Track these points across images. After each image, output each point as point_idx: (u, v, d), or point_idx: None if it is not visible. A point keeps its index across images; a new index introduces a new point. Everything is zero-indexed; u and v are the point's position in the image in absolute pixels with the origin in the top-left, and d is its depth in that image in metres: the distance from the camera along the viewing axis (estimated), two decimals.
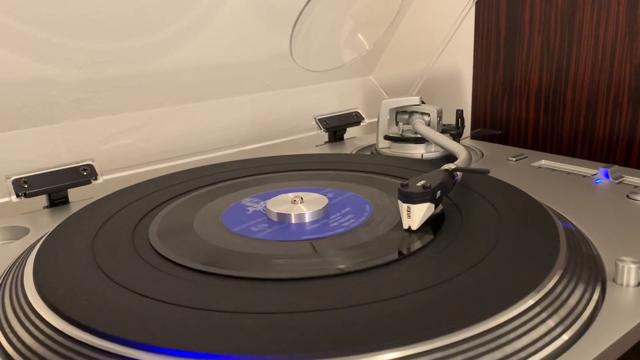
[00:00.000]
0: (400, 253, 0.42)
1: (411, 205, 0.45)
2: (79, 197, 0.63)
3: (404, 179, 0.48)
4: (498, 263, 0.39)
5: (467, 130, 0.80)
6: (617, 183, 0.61)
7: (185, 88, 0.79)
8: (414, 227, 0.46)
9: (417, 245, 0.43)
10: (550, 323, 0.34)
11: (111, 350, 0.31)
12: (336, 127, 0.88)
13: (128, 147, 0.77)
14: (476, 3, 0.90)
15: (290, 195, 0.52)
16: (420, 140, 0.73)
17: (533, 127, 0.86)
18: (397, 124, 0.77)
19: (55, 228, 0.50)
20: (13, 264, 0.46)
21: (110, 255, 0.43)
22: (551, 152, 0.84)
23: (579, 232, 0.47)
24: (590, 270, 0.40)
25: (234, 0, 0.73)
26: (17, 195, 0.59)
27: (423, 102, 0.76)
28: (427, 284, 0.36)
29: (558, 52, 0.81)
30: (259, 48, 0.82)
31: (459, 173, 0.53)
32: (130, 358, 0.31)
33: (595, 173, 0.64)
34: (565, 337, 0.33)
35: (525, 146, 0.88)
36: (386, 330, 0.31)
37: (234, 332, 0.32)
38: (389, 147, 0.76)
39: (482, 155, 0.75)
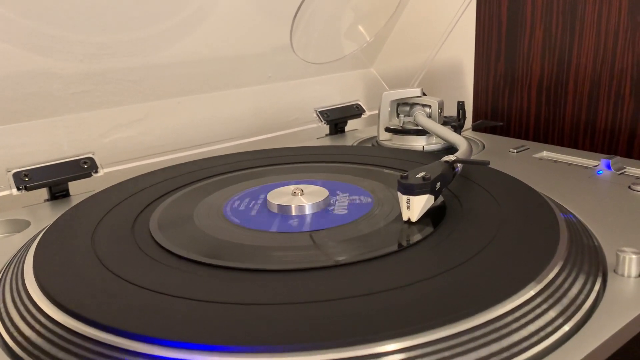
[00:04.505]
0: (399, 245, 0.42)
1: (410, 197, 0.45)
2: (80, 190, 0.63)
3: (404, 171, 0.48)
4: (498, 254, 0.39)
5: (468, 122, 0.80)
6: (619, 174, 0.60)
7: (186, 80, 0.79)
8: (414, 219, 0.45)
9: (417, 237, 0.43)
10: (551, 314, 0.34)
11: (111, 342, 0.31)
12: (337, 119, 0.88)
13: (129, 140, 0.77)
14: None
15: (291, 187, 0.52)
16: (422, 132, 0.73)
17: (535, 119, 0.86)
18: (398, 115, 0.77)
19: (55, 221, 0.50)
20: (14, 257, 0.46)
21: (111, 248, 0.43)
22: (553, 143, 0.84)
23: (580, 223, 0.47)
24: (591, 261, 0.40)
25: None
26: (18, 189, 0.59)
27: (424, 94, 0.76)
28: (426, 276, 0.36)
29: (560, 43, 0.81)
30: (260, 40, 0.81)
31: (459, 164, 0.53)
32: (129, 350, 0.31)
33: (597, 164, 0.64)
34: (566, 327, 0.33)
35: (526, 137, 0.87)
36: (386, 322, 0.31)
37: (233, 323, 0.32)
38: (390, 139, 0.76)
39: (484, 146, 0.74)
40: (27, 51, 0.62)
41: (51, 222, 0.50)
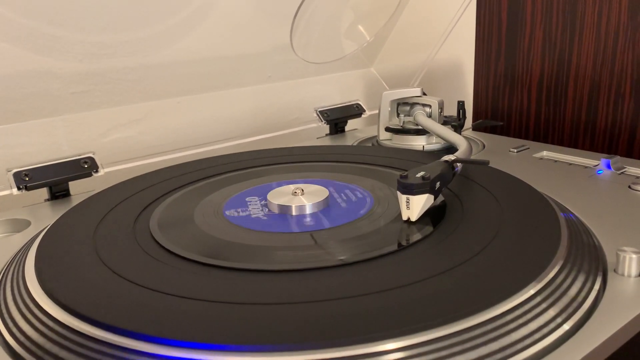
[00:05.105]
0: (399, 244, 0.42)
1: (410, 197, 0.45)
2: (80, 189, 0.63)
3: (404, 171, 0.48)
4: (499, 253, 0.39)
5: (468, 122, 0.80)
6: (619, 174, 0.60)
7: (185, 80, 0.79)
8: (413, 219, 0.45)
9: (417, 236, 0.43)
10: (551, 313, 0.34)
11: (111, 342, 0.31)
12: (337, 119, 0.88)
13: (129, 140, 0.77)
14: None
15: (291, 187, 0.52)
16: (422, 131, 0.73)
17: (535, 118, 0.86)
18: (398, 115, 0.77)
19: (56, 220, 0.50)
20: (14, 257, 0.46)
21: (112, 247, 0.43)
22: (553, 143, 0.84)
23: (580, 223, 0.47)
24: (591, 261, 0.40)
25: None
26: (18, 188, 0.59)
27: (424, 94, 0.76)
28: (427, 275, 0.36)
29: (560, 43, 0.81)
30: (260, 40, 0.81)
31: (459, 164, 0.53)
32: (130, 349, 0.31)
33: (597, 164, 0.64)
34: (566, 327, 0.33)
35: (526, 137, 0.87)
36: (386, 321, 0.31)
37: (233, 323, 0.32)
38: (390, 139, 0.76)
39: (484, 146, 0.74)
40: (26, 51, 0.62)
41: (52, 222, 0.50)
